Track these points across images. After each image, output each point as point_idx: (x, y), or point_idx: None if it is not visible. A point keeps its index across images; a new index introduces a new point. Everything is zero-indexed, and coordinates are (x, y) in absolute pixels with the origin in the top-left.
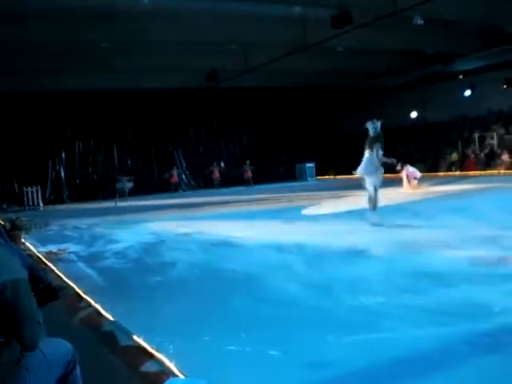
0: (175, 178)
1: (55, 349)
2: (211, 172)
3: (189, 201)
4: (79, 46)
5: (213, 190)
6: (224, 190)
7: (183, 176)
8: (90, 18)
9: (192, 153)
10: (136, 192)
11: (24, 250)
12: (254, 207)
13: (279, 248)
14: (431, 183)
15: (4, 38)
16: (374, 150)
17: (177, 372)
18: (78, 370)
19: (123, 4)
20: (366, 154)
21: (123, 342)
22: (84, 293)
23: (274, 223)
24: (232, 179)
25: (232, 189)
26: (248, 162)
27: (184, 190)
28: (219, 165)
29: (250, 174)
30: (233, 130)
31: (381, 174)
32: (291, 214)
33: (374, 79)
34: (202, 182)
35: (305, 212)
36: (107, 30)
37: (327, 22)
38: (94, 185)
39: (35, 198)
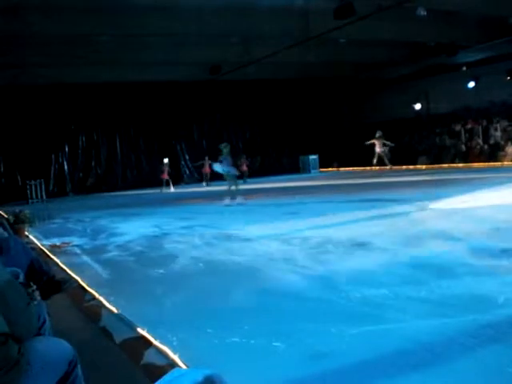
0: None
1: (55, 348)
2: (202, 166)
3: (192, 193)
4: (80, 39)
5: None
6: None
7: (186, 169)
8: (90, 10)
9: (195, 146)
10: (140, 185)
11: (27, 243)
12: (255, 200)
13: (282, 240)
14: (433, 174)
15: (3, 31)
16: None
17: (181, 364)
18: (79, 369)
19: None
20: None
21: (127, 334)
22: (88, 285)
23: (276, 216)
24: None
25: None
26: (244, 155)
27: (187, 183)
28: (210, 159)
29: (245, 167)
30: (236, 123)
31: None
32: (293, 207)
33: (377, 70)
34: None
35: (307, 205)
36: (108, 22)
37: (330, 14)
38: (97, 178)
39: (38, 191)
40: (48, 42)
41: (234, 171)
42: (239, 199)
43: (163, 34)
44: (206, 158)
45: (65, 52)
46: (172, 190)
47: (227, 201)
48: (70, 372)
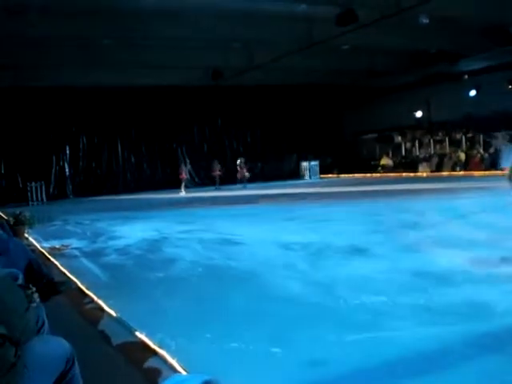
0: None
1: (53, 347)
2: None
3: (192, 197)
4: (82, 42)
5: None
6: (225, 187)
7: (187, 173)
8: (92, 13)
9: (196, 150)
10: (140, 188)
11: (27, 245)
12: (256, 205)
13: (282, 246)
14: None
15: (5, 32)
16: None
17: (179, 368)
18: (76, 367)
19: (126, 0)
20: None
21: (125, 338)
22: (87, 288)
23: (276, 221)
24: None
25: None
26: (243, 159)
27: (187, 187)
28: (220, 163)
29: (244, 172)
30: (237, 128)
31: None
32: (293, 213)
33: (379, 78)
34: (206, 179)
35: (307, 210)
36: (110, 26)
37: (332, 21)
38: (97, 180)
39: (39, 193)
40: (49, 43)
41: None
42: None
43: (166, 38)
44: (216, 161)
45: (66, 54)
46: (183, 193)
47: None
48: (67, 371)
